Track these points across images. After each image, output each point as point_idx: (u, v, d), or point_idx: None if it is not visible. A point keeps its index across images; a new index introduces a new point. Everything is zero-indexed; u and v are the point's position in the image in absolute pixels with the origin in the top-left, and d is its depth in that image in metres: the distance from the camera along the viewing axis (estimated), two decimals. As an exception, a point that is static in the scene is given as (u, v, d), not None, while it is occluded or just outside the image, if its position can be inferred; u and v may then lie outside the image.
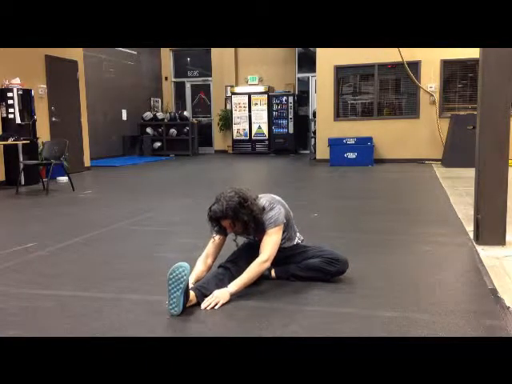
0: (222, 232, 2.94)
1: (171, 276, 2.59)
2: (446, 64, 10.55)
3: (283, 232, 2.98)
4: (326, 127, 11.15)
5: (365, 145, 10.49)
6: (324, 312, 2.60)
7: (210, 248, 3.02)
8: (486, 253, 3.61)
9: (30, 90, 8.35)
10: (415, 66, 10.64)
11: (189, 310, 2.66)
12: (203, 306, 2.69)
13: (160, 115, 14.46)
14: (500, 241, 3.77)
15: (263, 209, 2.88)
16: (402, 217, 5.11)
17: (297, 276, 3.05)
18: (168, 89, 15.59)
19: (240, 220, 2.78)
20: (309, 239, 3.30)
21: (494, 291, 2.84)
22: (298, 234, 3.19)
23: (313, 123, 12.11)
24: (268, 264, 2.87)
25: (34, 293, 2.98)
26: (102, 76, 12.84)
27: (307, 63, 13.87)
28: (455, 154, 9.35)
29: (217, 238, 2.97)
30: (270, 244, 2.86)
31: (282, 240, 2.98)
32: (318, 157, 11.35)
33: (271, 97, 13.97)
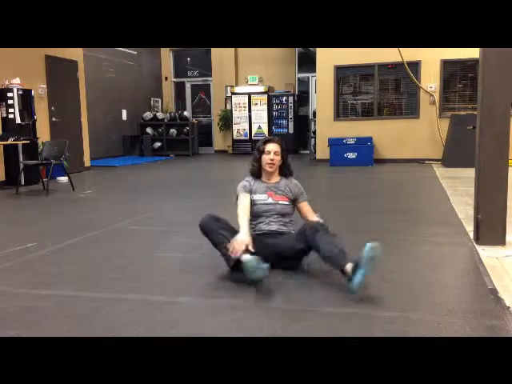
0: (257, 167, 3.37)
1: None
2: (446, 64, 10.55)
3: (291, 214, 3.41)
4: (326, 127, 11.16)
5: (365, 145, 10.49)
6: (324, 312, 2.60)
7: (245, 201, 3.30)
8: (486, 253, 3.61)
9: (30, 90, 8.35)
10: (415, 66, 10.65)
11: (189, 309, 2.66)
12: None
13: (160, 115, 14.47)
14: (500, 241, 3.77)
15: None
16: (401, 217, 5.10)
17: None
18: (168, 89, 15.59)
19: (284, 154, 3.38)
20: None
21: (494, 291, 2.84)
22: None
23: (313, 123, 12.11)
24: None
25: (34, 293, 2.98)
26: (102, 76, 12.84)
27: (307, 63, 13.88)
28: (455, 154, 9.35)
29: (245, 194, 3.33)
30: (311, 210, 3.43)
31: (290, 220, 3.40)
32: (318, 157, 11.35)
33: (271, 97, 13.97)
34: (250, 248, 2.95)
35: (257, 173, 3.41)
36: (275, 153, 3.32)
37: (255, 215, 3.35)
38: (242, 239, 2.98)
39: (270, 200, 3.34)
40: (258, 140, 13.51)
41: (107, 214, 5.61)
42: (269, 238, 3.24)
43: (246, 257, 2.84)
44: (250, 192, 3.36)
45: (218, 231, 3.14)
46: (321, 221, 3.17)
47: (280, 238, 3.23)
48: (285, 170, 3.44)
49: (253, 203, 3.34)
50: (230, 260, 3.04)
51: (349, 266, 2.76)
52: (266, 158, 3.33)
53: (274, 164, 3.34)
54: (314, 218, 3.31)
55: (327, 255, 2.89)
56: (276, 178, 3.43)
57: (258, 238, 3.21)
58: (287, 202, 3.37)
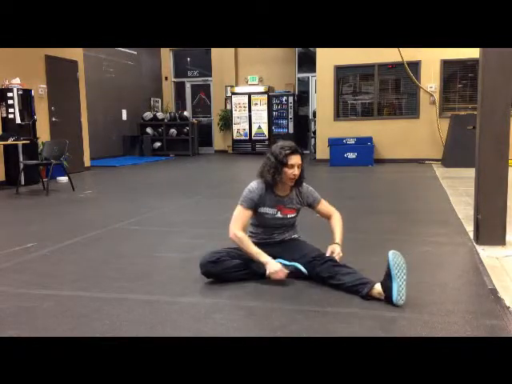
0: (277, 180, 3.03)
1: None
2: (446, 64, 10.55)
3: (296, 221, 3.29)
4: (326, 127, 11.16)
5: (365, 145, 10.49)
6: (324, 312, 2.60)
7: (245, 219, 3.09)
8: (486, 253, 3.61)
9: (30, 90, 8.35)
10: (415, 66, 10.65)
11: (189, 309, 2.66)
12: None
13: (160, 115, 14.47)
14: (500, 241, 3.77)
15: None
16: (401, 217, 5.10)
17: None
18: (168, 89, 15.59)
19: (303, 163, 3.09)
20: (310, 240, 3.30)
21: (494, 291, 2.84)
22: None
23: (313, 123, 12.11)
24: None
25: (34, 293, 2.98)
26: (102, 76, 12.84)
27: (307, 63, 13.87)
28: (455, 154, 9.36)
29: (248, 210, 3.08)
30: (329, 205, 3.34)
31: (295, 227, 3.29)
32: (318, 157, 11.35)
33: (271, 97, 13.97)
34: (285, 271, 2.96)
35: (273, 185, 3.09)
36: (298, 166, 3.03)
37: (259, 225, 3.19)
38: (276, 267, 2.93)
39: (278, 215, 3.14)
40: (258, 140, 13.25)
41: (107, 213, 5.61)
42: (270, 247, 3.16)
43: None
44: (257, 206, 3.10)
45: (227, 272, 3.01)
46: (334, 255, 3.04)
47: (280, 248, 3.17)
48: (297, 181, 3.13)
49: (259, 214, 3.13)
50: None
51: (377, 287, 2.71)
52: (288, 172, 3.00)
53: (295, 179, 3.07)
54: (334, 213, 3.30)
55: (350, 285, 2.80)
56: (288, 190, 3.16)
57: (257, 243, 3.15)
58: (294, 214, 3.21)
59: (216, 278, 3.03)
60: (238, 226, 3.05)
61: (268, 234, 3.19)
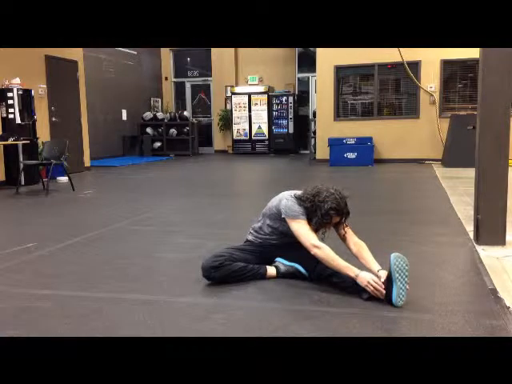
0: (319, 226, 3.01)
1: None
2: (446, 64, 10.55)
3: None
4: (326, 127, 11.16)
5: (365, 145, 10.49)
6: (324, 312, 2.60)
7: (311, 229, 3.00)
8: (486, 253, 3.61)
9: (30, 90, 8.35)
10: (415, 66, 10.65)
11: (189, 309, 2.66)
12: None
13: (160, 115, 14.47)
14: (500, 241, 3.77)
15: None
16: (402, 217, 5.10)
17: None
18: (168, 89, 15.60)
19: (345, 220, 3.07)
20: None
21: (494, 291, 2.84)
22: None
23: (313, 123, 12.11)
24: None
25: (34, 293, 2.98)
26: (102, 76, 12.84)
27: (307, 63, 13.88)
28: (455, 153, 9.36)
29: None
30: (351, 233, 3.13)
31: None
32: (318, 157, 11.35)
33: (271, 97, 13.97)
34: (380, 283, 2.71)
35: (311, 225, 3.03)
36: (335, 223, 3.05)
37: (278, 229, 3.12)
38: (367, 277, 2.71)
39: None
40: (258, 140, 13.24)
41: (107, 213, 5.61)
42: (275, 248, 3.17)
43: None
44: None
45: (229, 276, 2.99)
46: None
47: (283, 249, 3.16)
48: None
49: (288, 227, 3.04)
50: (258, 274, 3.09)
51: None
52: (324, 224, 3.03)
53: (329, 228, 3.09)
54: (363, 244, 3.06)
55: (351, 284, 2.77)
56: None
57: (263, 243, 3.18)
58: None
59: (218, 282, 3.02)
60: (315, 237, 2.94)
61: (281, 239, 3.15)
